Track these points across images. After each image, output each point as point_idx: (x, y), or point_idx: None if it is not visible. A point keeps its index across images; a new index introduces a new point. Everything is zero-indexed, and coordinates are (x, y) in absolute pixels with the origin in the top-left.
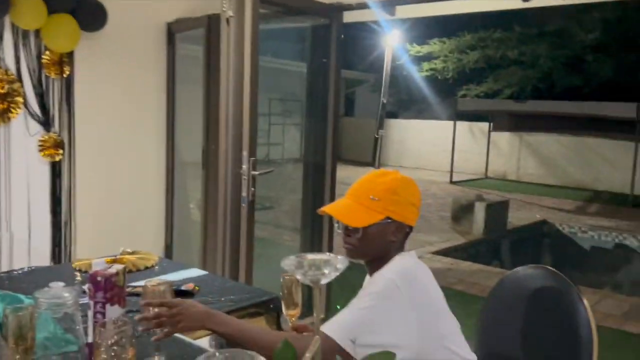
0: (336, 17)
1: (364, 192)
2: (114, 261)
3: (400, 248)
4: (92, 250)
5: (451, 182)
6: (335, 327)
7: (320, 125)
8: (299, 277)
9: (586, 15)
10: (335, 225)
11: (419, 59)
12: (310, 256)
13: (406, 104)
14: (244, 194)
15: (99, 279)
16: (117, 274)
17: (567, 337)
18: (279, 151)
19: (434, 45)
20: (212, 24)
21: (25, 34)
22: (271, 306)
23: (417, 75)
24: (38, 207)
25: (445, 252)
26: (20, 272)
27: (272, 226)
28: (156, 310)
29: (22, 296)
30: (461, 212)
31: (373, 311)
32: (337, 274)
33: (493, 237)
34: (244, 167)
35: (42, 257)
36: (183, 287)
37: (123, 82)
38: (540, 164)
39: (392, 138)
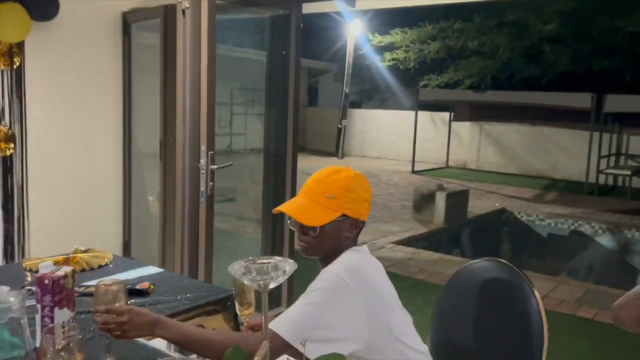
0: (295, 8)
1: (319, 190)
2: (66, 260)
3: (353, 243)
4: (46, 248)
5: (413, 171)
6: (283, 324)
7: (281, 115)
8: (246, 282)
9: (544, 6)
10: (289, 222)
11: (381, 49)
12: (259, 261)
13: (369, 93)
14: (202, 188)
15: (46, 282)
16: (65, 276)
17: (519, 327)
18: (241, 141)
19: (396, 36)
20: (168, 14)
21: None
22: (228, 304)
23: (380, 65)
24: None
25: (406, 242)
26: None
27: (235, 218)
28: (103, 316)
29: None
30: (423, 202)
31: (320, 306)
32: (286, 277)
33: (453, 226)
34: (202, 161)
35: None
36: (138, 286)
37: (77, 72)
38: (500, 153)
39: (356, 128)
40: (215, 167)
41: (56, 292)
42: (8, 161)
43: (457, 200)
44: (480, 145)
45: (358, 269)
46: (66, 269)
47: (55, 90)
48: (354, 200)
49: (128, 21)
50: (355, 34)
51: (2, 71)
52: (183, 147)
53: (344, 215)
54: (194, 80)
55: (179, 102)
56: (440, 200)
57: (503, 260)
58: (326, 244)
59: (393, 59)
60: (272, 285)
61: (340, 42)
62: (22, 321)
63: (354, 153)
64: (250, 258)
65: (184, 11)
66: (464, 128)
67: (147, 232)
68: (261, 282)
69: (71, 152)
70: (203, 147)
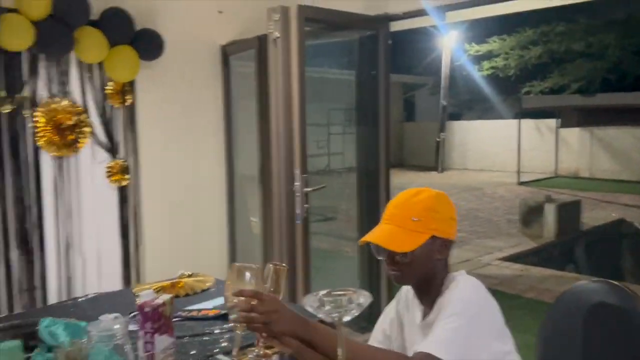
0: (382, 27)
1: (403, 214)
2: (172, 285)
3: (446, 265)
4: (159, 272)
5: (519, 183)
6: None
7: (373, 133)
8: (321, 316)
9: None
10: (375, 252)
11: (478, 58)
12: (334, 293)
13: (468, 104)
14: (297, 210)
15: (146, 309)
16: (164, 304)
17: (630, 357)
18: (339, 160)
19: (494, 44)
20: (262, 44)
21: (90, 67)
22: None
23: (478, 74)
24: (107, 231)
25: (514, 258)
26: (84, 299)
27: (334, 237)
28: (247, 301)
29: (82, 323)
30: (530, 215)
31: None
32: (361, 310)
33: (566, 240)
34: (297, 184)
35: (113, 279)
36: None
37: (182, 104)
38: (614, 159)
39: (455, 140)
40: (309, 189)
41: (156, 319)
42: (124, 191)
43: (569, 211)
44: (592, 152)
45: (484, 293)
46: (165, 297)
47: (163, 123)
48: (440, 220)
49: (226, 53)
50: (451, 45)
51: (116, 109)
52: (278, 171)
53: (432, 236)
54: (286, 105)
55: (273, 127)
56: (550, 212)
57: (613, 282)
58: (419, 269)
59: (492, 68)
60: (346, 318)
61: (433, 54)
62: (125, 347)
63: (455, 166)
64: (326, 291)
65: (275, 40)
66: (572, 134)
67: (252, 253)
68: (336, 316)
69: (179, 180)
70: (297, 171)
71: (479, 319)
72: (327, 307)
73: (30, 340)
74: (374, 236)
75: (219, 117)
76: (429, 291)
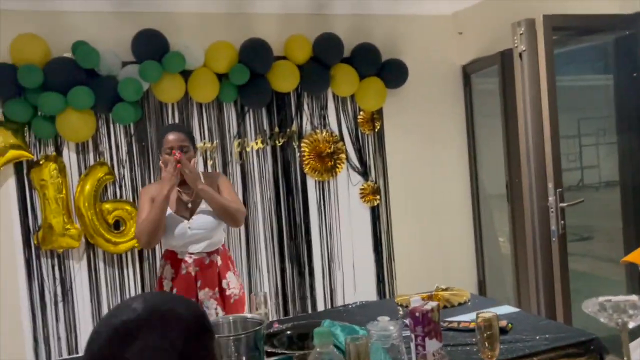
0: None
1: None
2: (429, 298)
3: None
4: (410, 286)
5: None
6: None
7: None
8: (602, 320)
9: None
10: None
11: None
12: (615, 299)
13: None
14: (553, 227)
15: (417, 314)
16: (432, 310)
17: None
18: (594, 174)
19: None
20: (505, 59)
21: (344, 100)
22: (591, 347)
23: None
24: (362, 247)
25: None
26: (353, 305)
27: (591, 258)
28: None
29: (356, 327)
30: None
31: None
32: None
33: None
34: (550, 199)
35: (367, 292)
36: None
37: (425, 127)
38: None
39: None
40: (565, 204)
41: (425, 324)
42: (375, 211)
43: None
44: None
45: None
46: (432, 304)
47: (409, 146)
48: None
49: (467, 72)
50: None
51: (367, 135)
52: (529, 186)
53: None
54: (536, 119)
55: (522, 141)
56: None
57: None
58: None
59: None
60: (631, 325)
61: None
62: (400, 348)
63: None
64: (606, 297)
65: (520, 54)
66: None
67: (500, 272)
68: (619, 321)
69: (425, 199)
70: (550, 185)
71: None
72: (609, 312)
73: (310, 338)
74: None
75: (462, 136)
76: None
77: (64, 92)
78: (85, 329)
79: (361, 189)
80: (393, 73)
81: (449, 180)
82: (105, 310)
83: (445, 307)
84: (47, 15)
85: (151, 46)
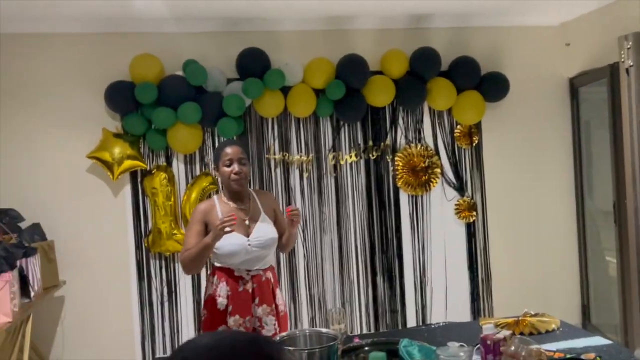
0: None
1: None
2: (516, 323)
3: None
4: (507, 307)
5: None
6: None
7: None
8: None
9: None
10: None
11: None
12: None
13: None
14: None
15: (488, 342)
16: (504, 339)
17: None
18: None
19: None
20: (615, 72)
21: (440, 113)
22: None
23: None
24: (455, 265)
25: None
26: (436, 325)
27: None
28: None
29: (434, 348)
30: None
31: None
32: None
33: None
34: None
35: (459, 310)
36: (583, 357)
37: (526, 141)
38: None
39: None
40: None
41: (497, 352)
42: (471, 227)
43: None
44: None
45: None
46: (505, 333)
47: (509, 161)
48: None
49: (574, 85)
50: None
51: (463, 150)
52: (635, 209)
53: None
54: None
55: (627, 163)
56: None
57: None
58: None
59: None
60: None
61: None
62: None
63: None
64: None
65: (627, 70)
66: None
67: (608, 296)
68: None
69: (525, 216)
70: None
71: None
72: None
73: (392, 356)
74: None
75: (567, 151)
76: None
77: (175, 108)
78: (186, 328)
79: (456, 205)
80: (493, 86)
81: (551, 196)
82: None
83: (531, 334)
84: (162, 37)
85: (254, 64)
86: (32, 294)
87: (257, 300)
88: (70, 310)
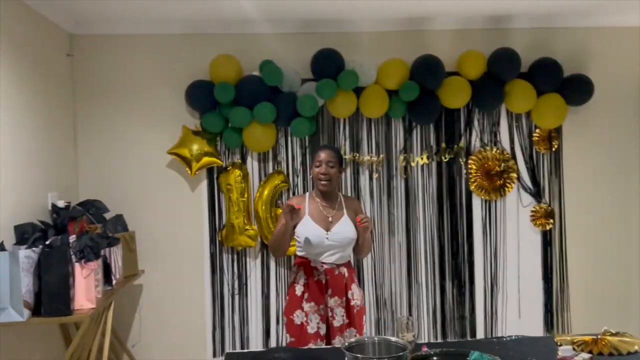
0: None
1: None
2: (594, 342)
3: None
4: (585, 321)
5: None
6: None
7: None
8: None
9: None
10: None
11: None
12: None
13: None
14: None
15: None
16: None
17: None
18: None
19: None
20: None
21: (518, 116)
22: None
23: None
24: (530, 274)
25: None
26: (509, 339)
27: None
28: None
29: None
30: None
31: None
32: None
33: None
34: None
35: (532, 322)
36: None
37: (611, 146)
38: None
39: None
40: None
41: None
42: (548, 235)
43: None
44: None
45: None
46: (584, 356)
47: (590, 168)
48: None
49: None
50: None
51: (542, 155)
52: None
53: None
54: None
55: None
56: None
57: None
58: None
59: None
60: None
61: None
62: None
63: None
64: None
65: None
66: None
67: None
68: None
69: (607, 227)
70: None
71: None
72: None
73: None
74: None
75: None
76: None
77: (251, 107)
78: (255, 322)
79: (532, 211)
80: (576, 89)
81: (636, 207)
82: (272, 308)
83: (611, 354)
84: (240, 38)
85: (328, 65)
86: (114, 281)
87: (329, 292)
88: (148, 298)
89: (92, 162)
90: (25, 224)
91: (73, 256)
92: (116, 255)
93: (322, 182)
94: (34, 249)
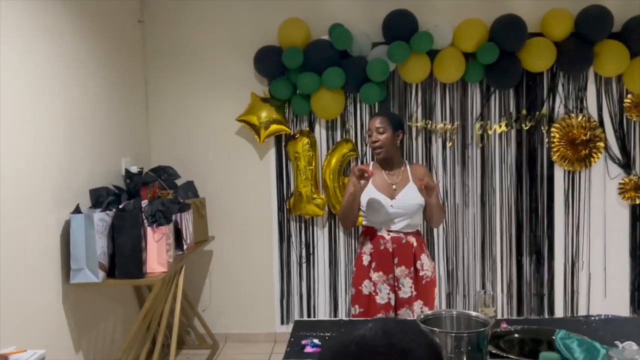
0: None
1: None
2: None
3: None
4: None
5: None
6: None
7: None
8: None
9: None
10: None
11: None
12: None
13: None
14: None
15: None
16: None
17: None
18: None
19: None
20: None
21: (608, 80)
22: None
23: None
24: (616, 250)
25: None
26: (597, 318)
27: None
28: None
29: (598, 345)
30: None
31: None
32: None
33: None
34: None
35: (619, 301)
36: None
37: None
38: None
39: None
40: None
41: None
42: (637, 209)
43: None
44: None
45: None
46: None
47: None
48: None
49: None
50: None
51: (633, 123)
52: None
53: None
54: None
55: None
56: None
57: None
58: None
59: None
60: None
61: None
62: None
63: None
64: None
65: None
66: None
67: None
68: None
69: None
70: None
71: None
72: None
73: (543, 346)
74: None
75: None
76: None
77: (320, 73)
78: (322, 291)
79: (621, 184)
80: None
81: None
82: (340, 278)
83: None
84: (309, 1)
85: (401, 26)
86: (185, 247)
87: (396, 261)
88: (217, 264)
89: (163, 128)
90: (99, 187)
91: (145, 220)
92: (187, 221)
93: (376, 151)
94: (107, 212)
